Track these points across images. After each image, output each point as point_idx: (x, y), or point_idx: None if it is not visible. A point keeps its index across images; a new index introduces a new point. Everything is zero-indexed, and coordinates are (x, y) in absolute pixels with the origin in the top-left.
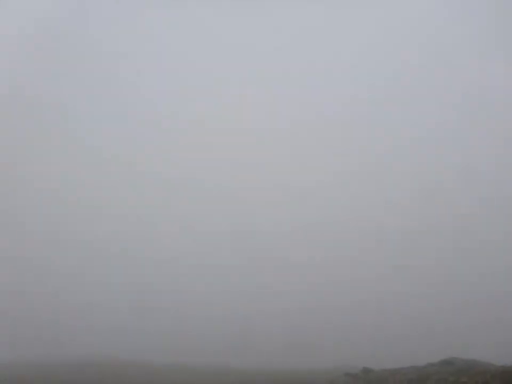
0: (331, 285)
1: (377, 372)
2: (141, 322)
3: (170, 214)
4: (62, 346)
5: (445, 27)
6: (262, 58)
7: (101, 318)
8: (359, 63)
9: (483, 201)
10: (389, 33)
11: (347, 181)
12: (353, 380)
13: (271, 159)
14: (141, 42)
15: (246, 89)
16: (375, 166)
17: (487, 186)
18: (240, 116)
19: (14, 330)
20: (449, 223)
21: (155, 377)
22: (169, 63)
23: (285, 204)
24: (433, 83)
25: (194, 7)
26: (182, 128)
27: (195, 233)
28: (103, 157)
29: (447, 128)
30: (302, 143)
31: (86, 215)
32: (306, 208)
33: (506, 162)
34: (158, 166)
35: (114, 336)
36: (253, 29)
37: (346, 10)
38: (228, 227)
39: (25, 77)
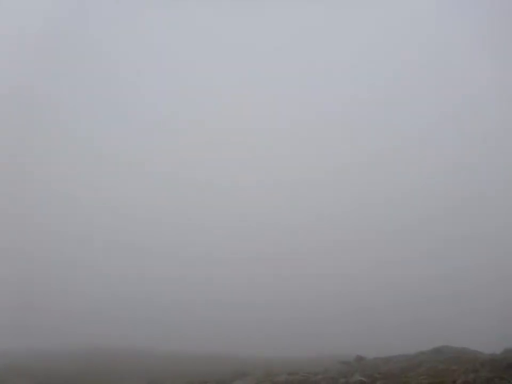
0: (325, 277)
1: (370, 360)
2: (143, 311)
3: (170, 211)
4: (63, 334)
5: (445, 27)
6: (262, 58)
7: (103, 308)
8: (359, 63)
9: (478, 199)
10: (389, 33)
11: (346, 180)
12: (347, 367)
13: (270, 159)
14: (141, 42)
15: (246, 89)
16: (375, 165)
17: (485, 184)
18: (240, 116)
19: (18, 319)
20: (443, 218)
21: (155, 364)
22: (169, 63)
23: (284, 202)
24: (433, 83)
25: (194, 7)
26: (181, 128)
27: (195, 228)
28: (103, 156)
29: (447, 128)
30: (301, 143)
31: (88, 212)
32: (304, 207)
33: (506, 162)
34: (158, 165)
35: (116, 325)
36: (253, 29)
37: (346, 10)
38: (230, 222)
39: (25, 77)
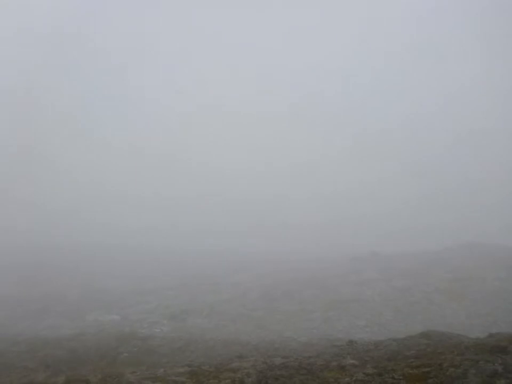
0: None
1: (361, 343)
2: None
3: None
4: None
5: (444, 25)
6: (262, 58)
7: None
8: (359, 62)
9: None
10: (382, 29)
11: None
12: (339, 351)
13: (271, 158)
14: (141, 42)
15: (245, 89)
16: (372, 157)
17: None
18: (239, 116)
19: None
20: (434, 196)
21: (155, 348)
22: (170, 63)
23: (284, 197)
24: (431, 81)
25: (194, 7)
26: (181, 128)
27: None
28: (109, 147)
29: (439, 119)
30: (301, 142)
31: (100, 202)
32: (305, 189)
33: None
34: (158, 161)
35: (120, 310)
36: (253, 29)
37: (344, 10)
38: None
39: (25, 76)
